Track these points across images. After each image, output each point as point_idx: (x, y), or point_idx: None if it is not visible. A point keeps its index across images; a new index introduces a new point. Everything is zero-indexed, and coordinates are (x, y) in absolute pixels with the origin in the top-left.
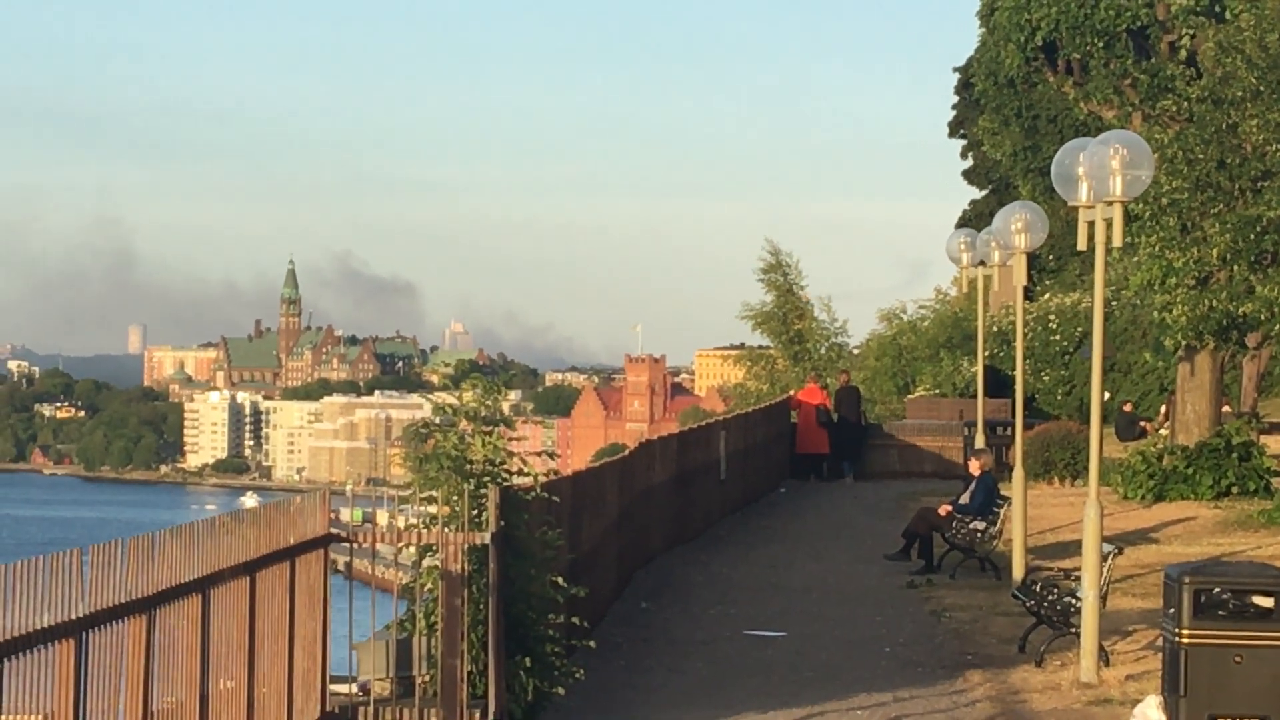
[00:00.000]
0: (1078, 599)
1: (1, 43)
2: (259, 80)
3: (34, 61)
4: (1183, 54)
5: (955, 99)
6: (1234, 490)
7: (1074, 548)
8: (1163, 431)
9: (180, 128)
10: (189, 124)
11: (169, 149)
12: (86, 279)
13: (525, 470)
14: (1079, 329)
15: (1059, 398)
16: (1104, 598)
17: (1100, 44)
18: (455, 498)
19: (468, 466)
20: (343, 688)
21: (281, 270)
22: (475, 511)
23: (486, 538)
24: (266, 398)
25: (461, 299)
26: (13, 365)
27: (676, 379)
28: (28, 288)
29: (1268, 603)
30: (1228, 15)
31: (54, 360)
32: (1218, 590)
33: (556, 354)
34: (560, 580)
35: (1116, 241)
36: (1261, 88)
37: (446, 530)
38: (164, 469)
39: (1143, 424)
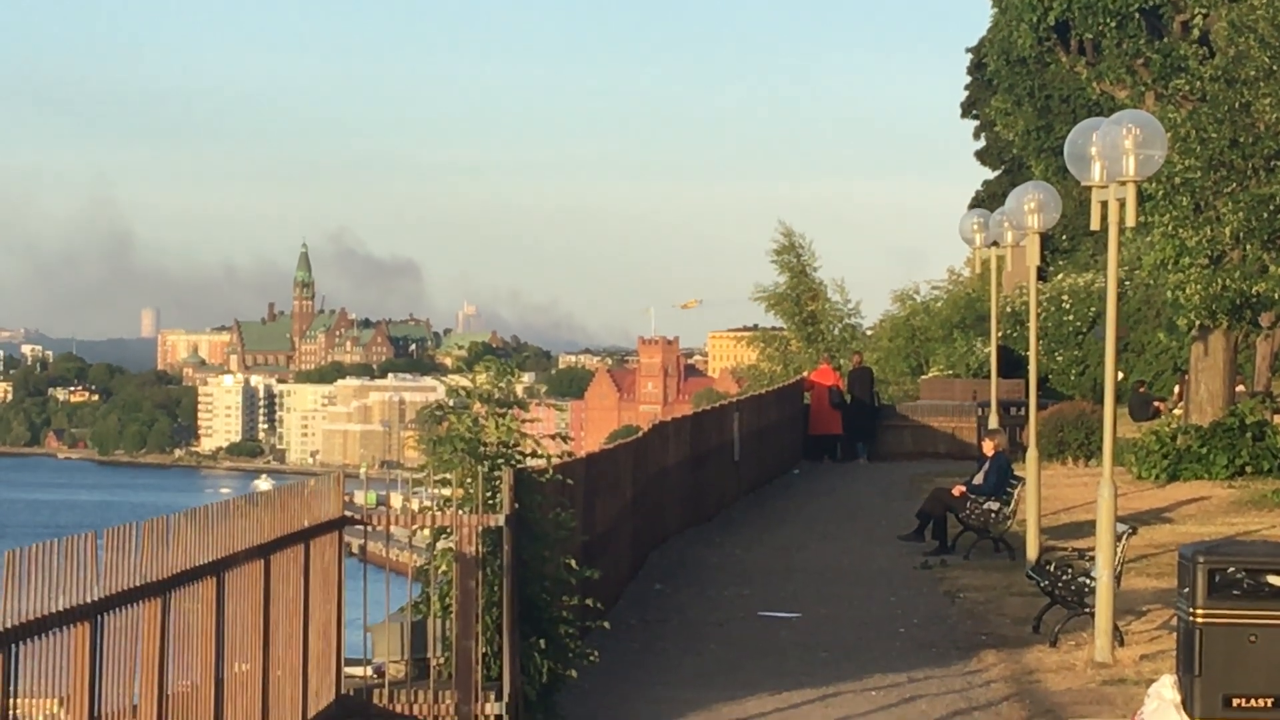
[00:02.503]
0: (1092, 579)
1: None
2: (251, 60)
3: (25, 43)
4: (1195, 33)
5: (968, 80)
6: (1248, 470)
7: (1088, 528)
8: (1176, 411)
9: (175, 109)
10: (184, 105)
11: (163, 131)
12: (87, 262)
13: (539, 452)
14: (1092, 309)
15: (1072, 378)
16: (1118, 578)
17: (1113, 23)
18: (469, 480)
19: (482, 449)
20: (358, 670)
21: (279, 252)
22: (489, 494)
23: (501, 520)
24: (280, 381)
25: (465, 281)
26: (26, 349)
27: (690, 361)
28: (29, 271)
29: None
30: None
31: (68, 344)
32: (1232, 570)
33: (558, 332)
34: (574, 562)
35: (1130, 221)
36: (1274, 67)
37: (460, 512)
38: (178, 452)
39: (1156, 404)
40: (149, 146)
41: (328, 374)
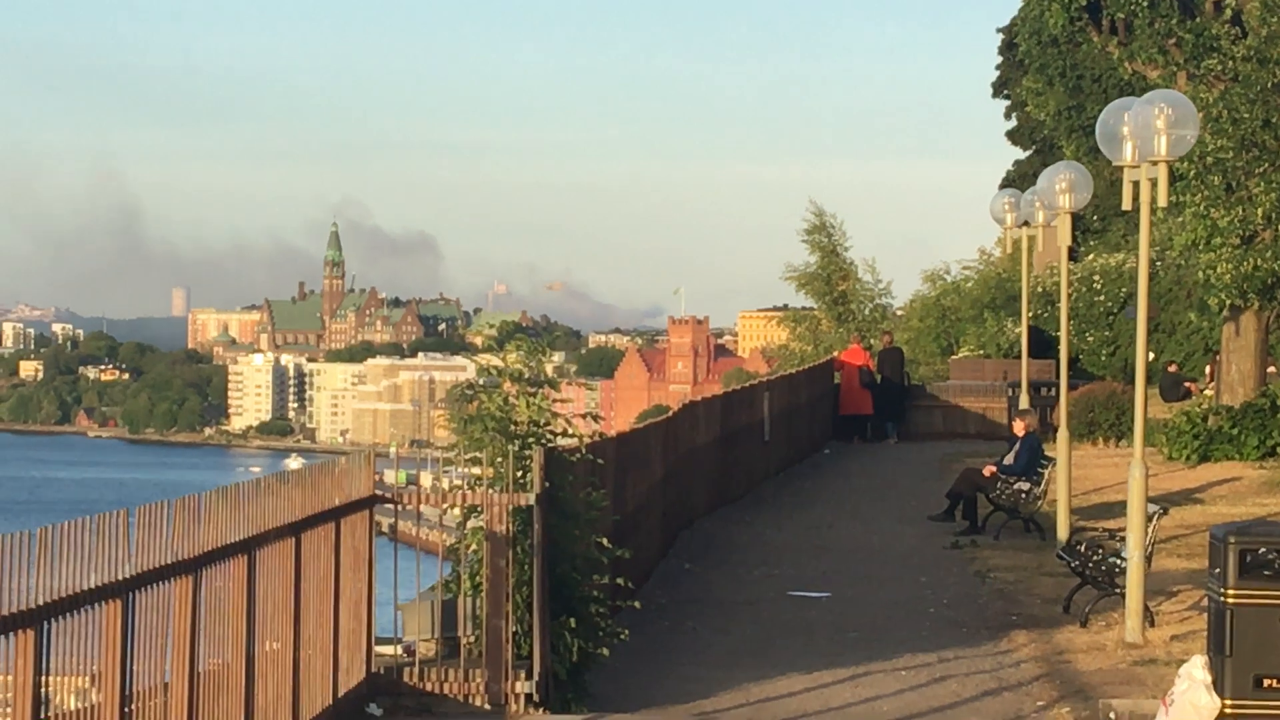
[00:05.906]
0: (1123, 559)
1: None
2: (256, 39)
3: (36, 18)
4: (1228, 13)
5: (999, 59)
6: (1279, 450)
7: (1119, 508)
8: (1207, 392)
9: (181, 88)
10: (190, 84)
11: (170, 109)
12: (103, 242)
13: (570, 431)
14: (1123, 289)
15: (1103, 358)
16: (1149, 558)
17: (1144, 3)
18: (500, 459)
19: (512, 428)
20: (388, 649)
21: (288, 230)
22: (520, 473)
23: (531, 499)
24: (310, 360)
25: (482, 258)
26: (57, 328)
27: (720, 340)
28: (52, 250)
29: None
30: None
31: (98, 323)
32: (1263, 550)
33: (571, 304)
34: (605, 541)
35: (1161, 201)
36: None
37: (491, 491)
38: (208, 431)
39: (1187, 384)
40: (155, 125)
41: (358, 353)
